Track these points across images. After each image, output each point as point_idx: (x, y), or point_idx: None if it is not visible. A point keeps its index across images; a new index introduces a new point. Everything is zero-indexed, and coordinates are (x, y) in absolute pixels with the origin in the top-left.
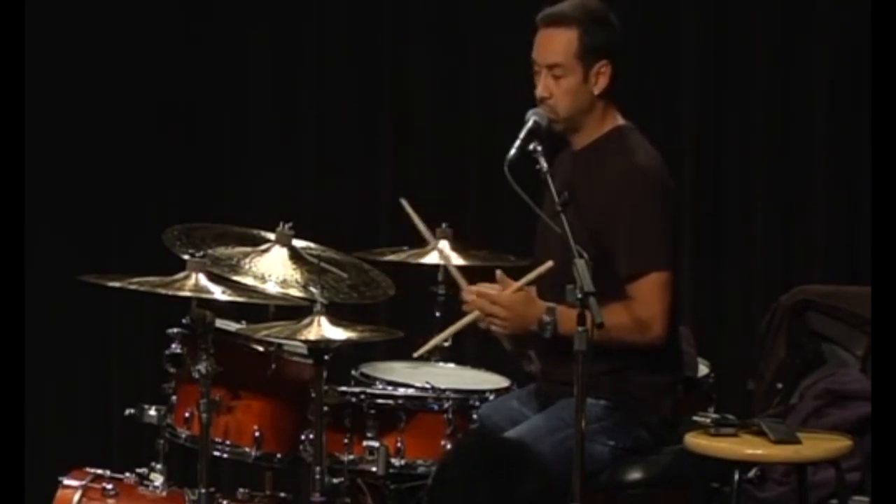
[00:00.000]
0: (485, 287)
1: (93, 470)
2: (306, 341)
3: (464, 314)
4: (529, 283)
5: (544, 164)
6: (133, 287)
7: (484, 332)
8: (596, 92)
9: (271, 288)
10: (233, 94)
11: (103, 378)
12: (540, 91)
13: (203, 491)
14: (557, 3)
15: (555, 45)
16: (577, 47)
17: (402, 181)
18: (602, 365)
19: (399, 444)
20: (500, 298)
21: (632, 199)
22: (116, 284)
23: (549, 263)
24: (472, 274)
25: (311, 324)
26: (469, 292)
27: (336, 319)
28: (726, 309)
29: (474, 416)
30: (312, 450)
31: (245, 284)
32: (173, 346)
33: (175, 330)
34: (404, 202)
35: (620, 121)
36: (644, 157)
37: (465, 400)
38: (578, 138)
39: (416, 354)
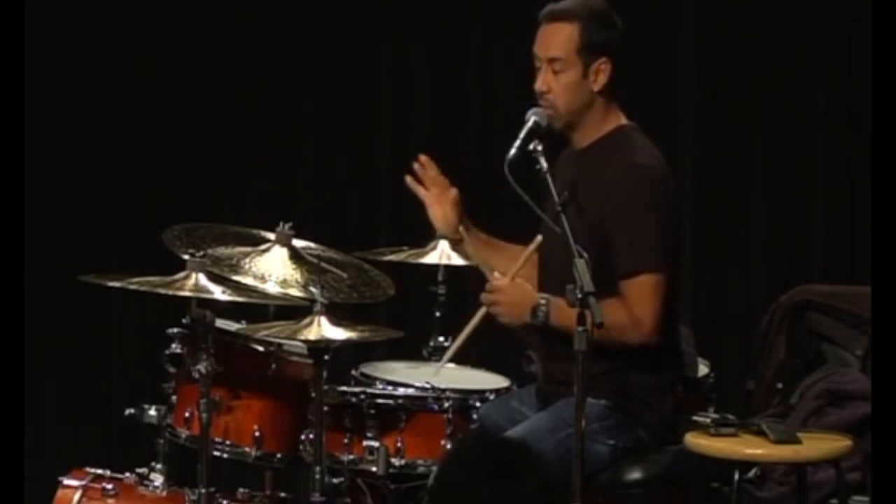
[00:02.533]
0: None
1: (93, 470)
2: (306, 341)
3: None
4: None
5: (544, 164)
6: (133, 287)
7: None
8: (595, 89)
9: (271, 288)
10: (233, 94)
11: (103, 378)
12: (538, 85)
13: (203, 491)
14: (560, 1)
15: (555, 39)
16: (577, 42)
17: (402, 181)
18: (602, 365)
19: (399, 444)
20: (495, 286)
21: (631, 199)
22: (116, 284)
23: (539, 239)
24: (472, 274)
25: (311, 324)
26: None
27: (336, 319)
28: (726, 309)
29: (474, 416)
30: (312, 450)
31: (245, 284)
32: (173, 346)
33: (175, 330)
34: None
35: (623, 120)
36: (646, 157)
37: (465, 400)
38: (579, 137)
39: (441, 364)
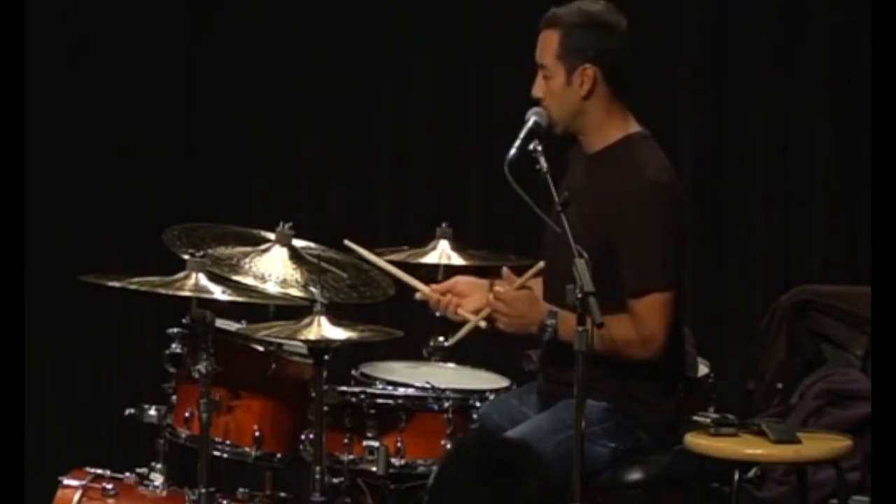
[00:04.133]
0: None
1: (93, 470)
2: (306, 341)
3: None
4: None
5: (544, 164)
6: (133, 287)
7: (490, 332)
8: (582, 94)
9: (271, 288)
10: (233, 94)
11: (103, 378)
12: (533, 91)
13: (203, 491)
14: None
15: (543, 46)
16: (556, 49)
17: (402, 181)
18: (603, 367)
19: (399, 444)
20: (503, 295)
21: (640, 217)
22: (116, 284)
23: (541, 264)
24: (472, 274)
25: (311, 324)
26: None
27: (336, 319)
28: (726, 309)
29: (474, 416)
30: (312, 450)
31: (245, 284)
32: (173, 346)
33: (175, 330)
34: (348, 243)
35: (634, 127)
36: (654, 171)
37: (465, 400)
38: (588, 141)
39: (448, 343)
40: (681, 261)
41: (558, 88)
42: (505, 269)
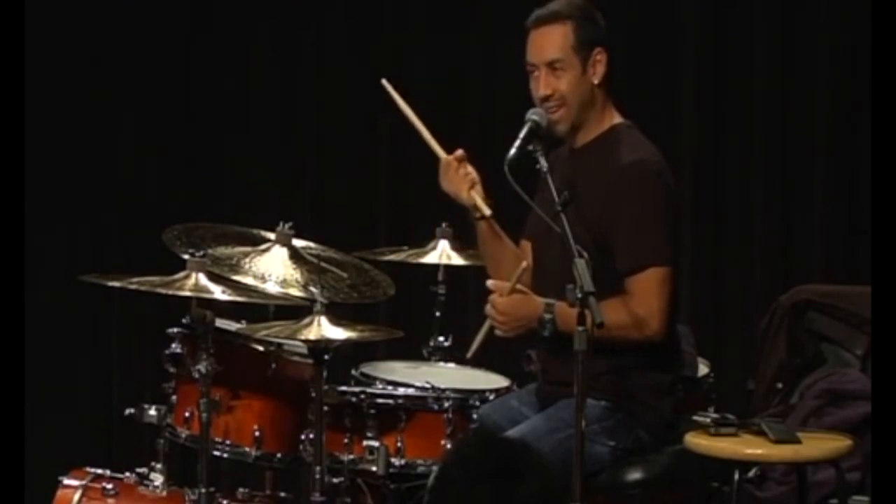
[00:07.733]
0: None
1: (93, 470)
2: (306, 341)
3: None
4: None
5: (544, 164)
6: (133, 287)
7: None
8: (595, 81)
9: (271, 288)
10: (233, 94)
11: (103, 378)
12: (542, 90)
13: (203, 491)
14: (545, 6)
15: (551, 42)
16: (573, 40)
17: (402, 181)
18: (602, 365)
19: (399, 444)
20: (497, 304)
21: (632, 195)
22: (116, 284)
23: (524, 264)
24: (472, 274)
25: (311, 324)
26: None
27: (336, 319)
28: (726, 309)
29: (474, 416)
30: (312, 450)
31: (245, 284)
32: (173, 346)
33: (175, 330)
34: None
35: (619, 119)
36: (644, 153)
37: (465, 400)
38: (579, 135)
39: (469, 355)
40: (676, 243)
41: (574, 80)
42: (490, 281)
